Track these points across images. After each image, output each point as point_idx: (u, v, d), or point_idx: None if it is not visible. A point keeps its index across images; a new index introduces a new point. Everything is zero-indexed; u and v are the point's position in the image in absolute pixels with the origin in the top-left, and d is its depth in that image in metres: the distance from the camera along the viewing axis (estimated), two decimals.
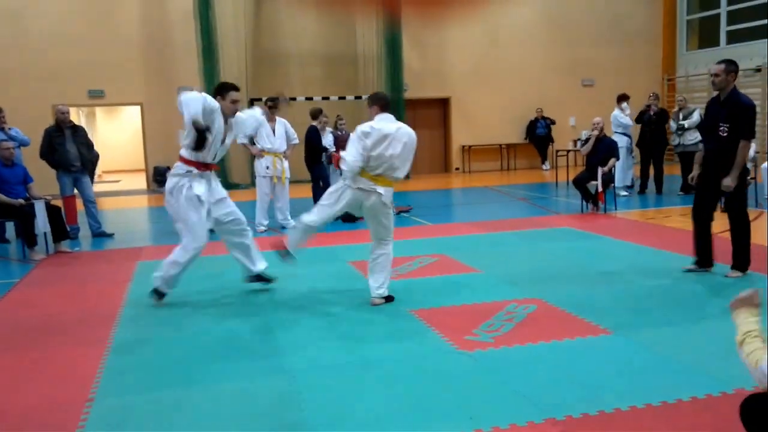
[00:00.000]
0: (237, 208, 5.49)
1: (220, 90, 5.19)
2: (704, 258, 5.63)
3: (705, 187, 5.51)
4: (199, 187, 5.07)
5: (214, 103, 4.94)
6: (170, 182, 5.09)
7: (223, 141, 5.18)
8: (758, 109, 14.88)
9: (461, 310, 4.81)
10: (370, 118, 4.92)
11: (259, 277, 5.55)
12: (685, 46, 18.08)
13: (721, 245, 5.75)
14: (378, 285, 4.98)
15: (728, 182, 5.25)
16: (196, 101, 4.78)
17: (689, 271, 5.65)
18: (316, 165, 9.66)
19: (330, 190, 5.12)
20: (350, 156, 4.78)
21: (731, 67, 5.32)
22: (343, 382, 3.54)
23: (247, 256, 5.49)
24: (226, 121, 5.13)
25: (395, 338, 4.26)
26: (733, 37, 16.51)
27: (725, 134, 5.26)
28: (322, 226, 5.21)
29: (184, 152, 5.06)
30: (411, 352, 3.99)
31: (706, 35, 17.72)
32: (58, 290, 5.92)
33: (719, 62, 5.36)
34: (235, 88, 5.18)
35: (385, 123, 4.84)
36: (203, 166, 5.10)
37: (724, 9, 16.68)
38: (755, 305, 2.36)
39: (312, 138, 9.60)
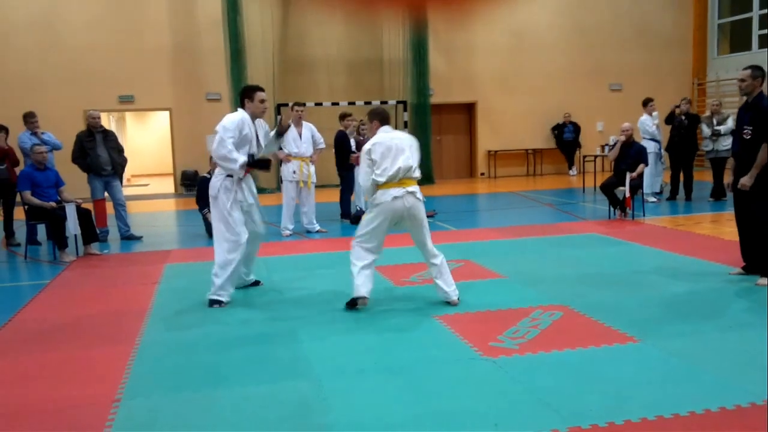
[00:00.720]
0: (260, 217, 5.61)
1: (247, 93, 5.33)
2: (751, 263, 5.60)
3: (741, 192, 5.50)
4: (240, 193, 5.29)
5: (240, 123, 5.18)
6: (215, 185, 5.28)
7: (258, 145, 5.38)
8: None
9: (486, 316, 4.79)
10: (372, 133, 5.09)
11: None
12: (716, 50, 17.80)
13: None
14: (453, 287, 5.09)
15: (745, 181, 5.31)
16: (226, 142, 5.10)
17: (737, 274, 5.68)
18: (346, 170, 9.71)
19: (364, 221, 5.07)
20: (361, 177, 5.01)
21: (757, 72, 5.43)
22: (367, 387, 3.54)
23: (247, 264, 5.69)
24: (253, 121, 5.31)
25: (420, 344, 4.25)
26: (766, 42, 16.21)
27: (749, 137, 5.35)
28: (379, 256, 5.11)
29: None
30: (435, 358, 3.98)
31: (737, 39, 17.43)
32: (87, 292, 6.02)
33: (746, 68, 5.50)
34: (261, 89, 5.34)
35: (385, 134, 4.99)
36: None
37: (756, 13, 16.39)
38: None
39: (341, 142, 9.66)
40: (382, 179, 4.86)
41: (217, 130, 5.18)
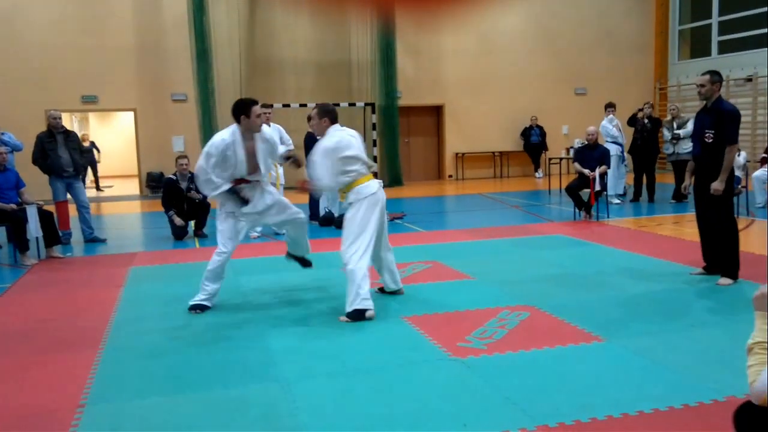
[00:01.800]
0: (293, 207, 5.54)
1: (242, 109, 5.03)
2: (712, 263, 5.73)
3: (701, 194, 5.62)
4: (231, 205, 5.19)
5: (224, 146, 5.00)
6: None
7: (257, 159, 5.19)
8: (749, 118, 15.03)
9: (454, 317, 4.82)
10: (320, 130, 5.02)
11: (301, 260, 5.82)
12: (677, 55, 18.21)
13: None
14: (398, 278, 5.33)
15: (717, 186, 5.42)
16: (207, 168, 4.99)
17: (697, 275, 5.80)
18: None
19: (351, 220, 4.86)
20: (327, 177, 4.82)
21: (715, 77, 5.56)
22: (336, 389, 3.53)
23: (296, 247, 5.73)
24: (251, 138, 5.12)
25: (388, 345, 4.26)
26: (725, 47, 16.64)
27: (711, 140, 5.47)
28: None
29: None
30: (404, 359, 3.99)
31: (698, 45, 17.86)
32: (49, 295, 5.89)
33: (704, 73, 5.65)
34: (256, 103, 5.15)
35: (342, 132, 5.00)
36: (240, 181, 5.17)
37: (715, 19, 16.82)
38: None
39: (311, 144, 9.62)
40: (356, 177, 4.87)
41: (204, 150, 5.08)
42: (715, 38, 16.87)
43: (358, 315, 4.73)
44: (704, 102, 5.65)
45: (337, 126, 5.03)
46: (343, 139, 4.93)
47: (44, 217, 7.43)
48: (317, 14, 14.39)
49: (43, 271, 6.94)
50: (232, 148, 5.01)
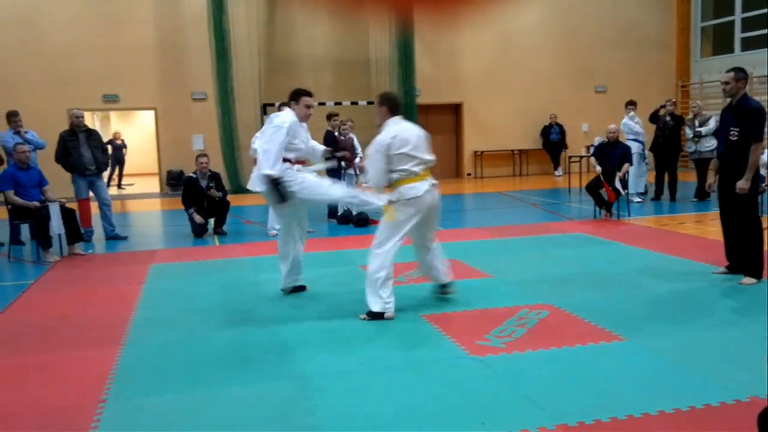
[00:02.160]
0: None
1: (294, 96, 5.24)
2: (735, 263, 5.66)
3: (724, 193, 5.56)
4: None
5: (294, 125, 5.05)
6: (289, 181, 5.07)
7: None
8: None
9: (473, 316, 4.80)
10: (381, 119, 4.83)
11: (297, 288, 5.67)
12: (699, 53, 17.98)
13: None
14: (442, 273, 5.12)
15: (742, 184, 5.34)
16: (278, 139, 4.92)
17: (720, 274, 5.73)
18: (334, 169, 9.69)
19: (391, 223, 4.68)
20: (376, 174, 4.68)
21: (740, 74, 5.46)
22: (354, 387, 3.54)
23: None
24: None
25: (407, 343, 4.26)
26: (748, 44, 16.39)
27: (735, 138, 5.39)
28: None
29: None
30: (423, 357, 3.99)
31: (720, 42, 17.61)
32: (71, 292, 5.97)
33: (729, 70, 5.53)
34: (309, 94, 5.24)
35: (400, 126, 4.79)
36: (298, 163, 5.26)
37: (738, 16, 16.57)
38: None
39: (330, 142, 9.64)
40: (406, 175, 4.68)
41: (273, 125, 5.00)
42: (738, 35, 16.62)
43: (376, 315, 4.71)
44: (728, 100, 5.57)
45: (396, 119, 4.82)
46: (400, 133, 4.71)
47: (66, 214, 7.52)
48: (334, 15, 14.40)
49: (65, 268, 7.03)
50: (298, 127, 5.11)
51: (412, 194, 4.67)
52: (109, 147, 17.94)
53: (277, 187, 4.94)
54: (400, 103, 4.95)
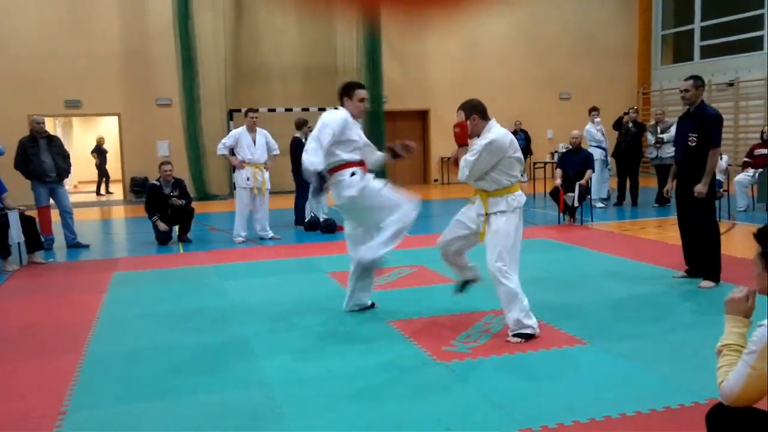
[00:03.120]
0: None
1: (346, 90, 4.85)
2: (694, 267, 5.78)
3: (683, 198, 5.68)
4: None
5: (343, 122, 4.66)
6: (352, 185, 4.70)
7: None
8: (731, 122, 15.20)
9: (439, 321, 4.82)
10: (475, 128, 4.43)
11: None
12: (660, 60, 18.40)
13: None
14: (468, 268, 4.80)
15: (700, 188, 5.47)
16: (324, 137, 4.54)
17: (680, 278, 5.83)
18: (302, 176, 9.68)
19: (505, 231, 4.28)
20: (472, 173, 4.35)
21: (699, 82, 5.62)
22: (321, 394, 3.53)
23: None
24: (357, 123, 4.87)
25: (374, 349, 4.26)
26: (707, 52, 16.84)
27: (694, 144, 5.53)
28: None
29: (346, 156, 4.71)
30: (389, 363, 3.99)
31: (680, 50, 18.06)
32: (31, 301, 5.83)
33: (687, 78, 5.67)
34: (361, 86, 4.92)
35: (502, 129, 4.46)
36: (360, 164, 4.81)
37: (698, 24, 17.01)
38: (746, 313, 2.27)
39: (296, 149, 9.63)
40: (517, 181, 4.40)
41: (321, 122, 4.64)
42: (697, 43, 17.07)
43: (530, 336, 4.29)
44: (687, 107, 5.71)
45: (493, 122, 4.45)
46: (510, 137, 4.41)
47: (26, 222, 7.36)
48: (303, 15, 14.35)
49: (25, 277, 6.87)
50: (351, 126, 4.72)
51: (520, 202, 4.38)
52: (96, 154, 17.73)
53: (319, 180, 4.54)
54: (484, 106, 4.58)
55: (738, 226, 8.71)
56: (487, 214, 4.39)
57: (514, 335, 4.31)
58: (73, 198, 9.14)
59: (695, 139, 5.51)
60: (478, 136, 4.41)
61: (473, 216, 4.55)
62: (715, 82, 15.86)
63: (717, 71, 15.97)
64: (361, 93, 4.84)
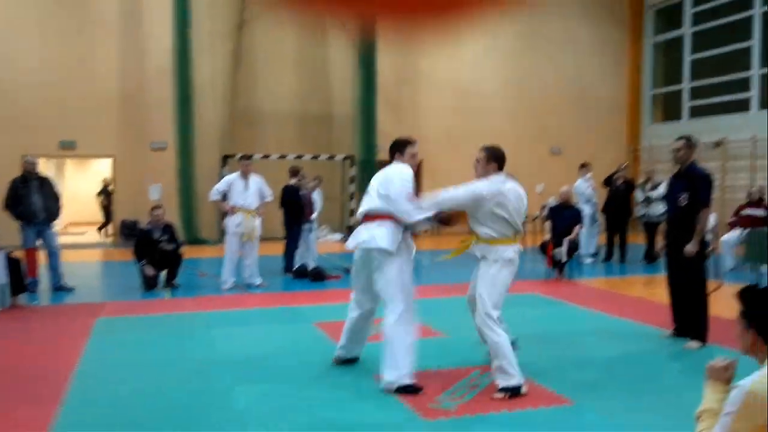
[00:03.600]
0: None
1: (398, 147, 4.90)
2: (681, 326, 5.75)
3: (672, 256, 5.72)
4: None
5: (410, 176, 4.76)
6: (394, 240, 4.64)
7: None
8: (718, 182, 15.39)
9: (425, 376, 4.76)
10: (485, 172, 4.71)
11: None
12: (650, 118, 18.73)
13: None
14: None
15: (690, 248, 5.49)
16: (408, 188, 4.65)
17: (667, 337, 5.81)
18: (296, 224, 9.74)
19: (497, 285, 4.46)
20: (446, 203, 4.72)
21: (690, 142, 5.71)
22: None
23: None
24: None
25: (359, 405, 4.19)
26: (696, 112, 17.17)
27: (684, 203, 5.57)
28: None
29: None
30: (374, 420, 3.93)
31: (669, 109, 18.41)
32: (12, 345, 5.74)
33: (679, 138, 5.71)
34: (413, 142, 4.94)
35: (503, 185, 4.74)
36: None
37: (687, 85, 17.39)
38: (726, 381, 2.28)
39: (294, 196, 9.70)
40: (500, 236, 4.55)
41: (394, 181, 4.73)
42: (687, 102, 17.41)
43: (515, 390, 4.24)
44: (678, 166, 5.75)
45: (501, 176, 4.71)
46: (502, 192, 4.61)
47: (11, 263, 7.30)
48: (298, 29, 14.38)
49: (7, 320, 6.77)
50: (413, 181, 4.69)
51: (510, 256, 4.55)
52: (103, 195, 17.63)
53: (435, 219, 4.70)
54: (505, 159, 4.80)
55: (725, 287, 8.72)
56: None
57: (500, 390, 4.25)
58: (61, 239, 9.08)
59: (686, 198, 5.55)
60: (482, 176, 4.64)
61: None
62: (703, 141, 16.11)
63: (705, 131, 16.23)
64: (413, 149, 4.87)
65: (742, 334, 2.15)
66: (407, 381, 4.32)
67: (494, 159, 4.71)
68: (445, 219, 4.89)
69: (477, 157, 4.81)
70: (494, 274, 4.48)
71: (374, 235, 4.56)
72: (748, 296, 2.16)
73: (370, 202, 4.79)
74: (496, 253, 4.51)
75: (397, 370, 4.32)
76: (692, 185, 5.55)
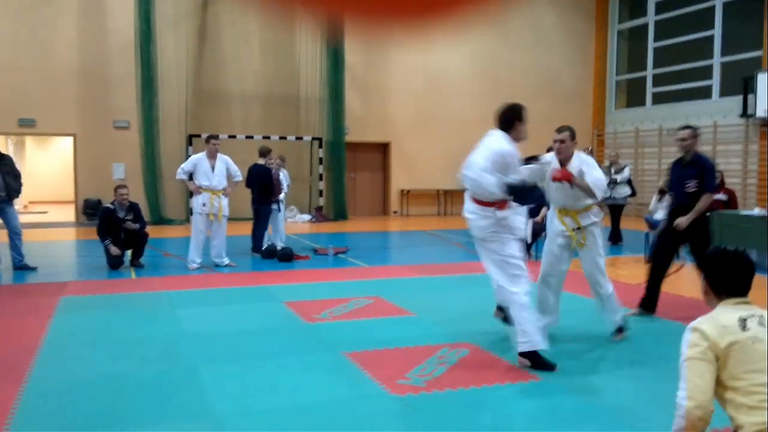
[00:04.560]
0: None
1: (518, 113, 4.93)
2: (650, 303, 6.00)
3: (669, 236, 5.99)
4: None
5: (510, 152, 4.74)
6: (486, 227, 4.77)
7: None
8: None
9: (394, 354, 4.80)
10: (568, 151, 5.17)
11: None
12: (614, 104, 19.00)
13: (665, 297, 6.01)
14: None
15: (682, 221, 5.80)
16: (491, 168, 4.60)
17: (633, 315, 5.95)
18: (264, 204, 9.69)
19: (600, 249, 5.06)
20: (599, 192, 4.96)
21: (695, 132, 5.95)
22: (272, 427, 3.46)
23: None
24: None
25: (328, 382, 4.21)
26: (659, 98, 17.47)
27: (693, 189, 5.86)
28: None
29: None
30: (343, 396, 3.95)
31: (633, 95, 18.69)
32: None
33: (685, 128, 5.99)
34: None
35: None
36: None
37: (650, 72, 17.67)
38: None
39: (264, 177, 9.63)
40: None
41: (488, 155, 4.64)
42: (650, 89, 17.70)
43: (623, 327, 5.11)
44: (681, 154, 5.98)
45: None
46: None
47: None
48: (266, 21, 14.25)
49: None
50: (515, 156, 4.69)
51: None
52: None
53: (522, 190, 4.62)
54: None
55: (687, 266, 8.93)
56: (579, 228, 5.04)
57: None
58: (24, 218, 8.86)
59: (695, 185, 5.83)
60: (567, 158, 5.08)
61: (557, 240, 5.18)
62: (666, 127, 16.43)
63: (667, 117, 16.56)
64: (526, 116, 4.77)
65: (705, 292, 2.58)
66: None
67: (575, 137, 5.20)
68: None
69: (557, 138, 5.18)
70: (598, 236, 5.14)
71: None
72: (704, 256, 2.67)
73: None
74: (591, 217, 5.07)
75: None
76: (701, 173, 5.82)
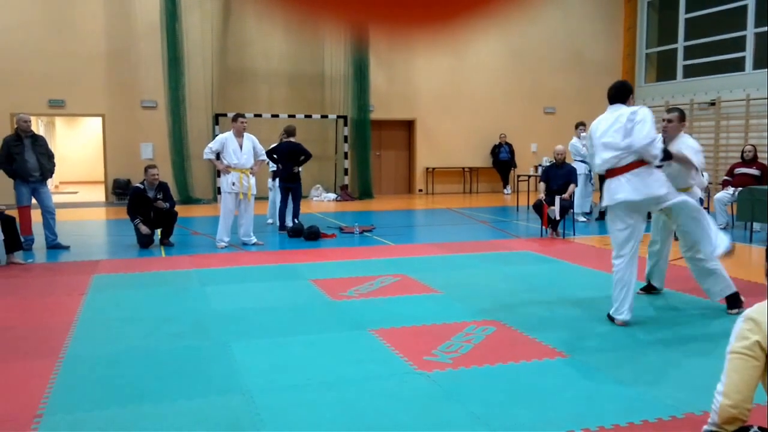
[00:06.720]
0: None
1: (630, 90, 5.43)
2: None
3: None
4: None
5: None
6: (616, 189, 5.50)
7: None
8: (711, 141, 15.44)
9: (421, 331, 4.84)
10: (675, 132, 5.40)
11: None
12: (644, 78, 18.63)
13: (673, 271, 5.92)
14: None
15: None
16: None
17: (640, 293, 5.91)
18: (292, 182, 9.77)
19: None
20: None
21: (683, 116, 5.54)
22: (300, 402, 3.52)
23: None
24: None
25: (355, 358, 4.25)
26: (690, 72, 17.08)
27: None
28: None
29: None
30: (370, 372, 3.99)
31: (663, 69, 18.30)
32: (9, 302, 5.76)
33: (672, 110, 5.57)
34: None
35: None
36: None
37: (681, 44, 17.26)
38: None
39: (299, 152, 9.70)
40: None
41: (639, 119, 5.03)
42: (681, 62, 17.31)
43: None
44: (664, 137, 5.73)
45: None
46: None
47: (5, 221, 7.28)
48: (290, 26, 14.34)
49: (3, 278, 6.78)
50: None
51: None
52: None
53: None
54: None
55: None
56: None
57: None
58: (55, 198, 9.04)
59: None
60: (670, 138, 5.31)
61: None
62: (697, 101, 16.09)
63: (699, 90, 16.21)
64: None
65: (765, 266, 2.47)
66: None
67: (684, 119, 5.39)
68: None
69: (665, 118, 5.41)
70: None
71: None
72: None
73: None
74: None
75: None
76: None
